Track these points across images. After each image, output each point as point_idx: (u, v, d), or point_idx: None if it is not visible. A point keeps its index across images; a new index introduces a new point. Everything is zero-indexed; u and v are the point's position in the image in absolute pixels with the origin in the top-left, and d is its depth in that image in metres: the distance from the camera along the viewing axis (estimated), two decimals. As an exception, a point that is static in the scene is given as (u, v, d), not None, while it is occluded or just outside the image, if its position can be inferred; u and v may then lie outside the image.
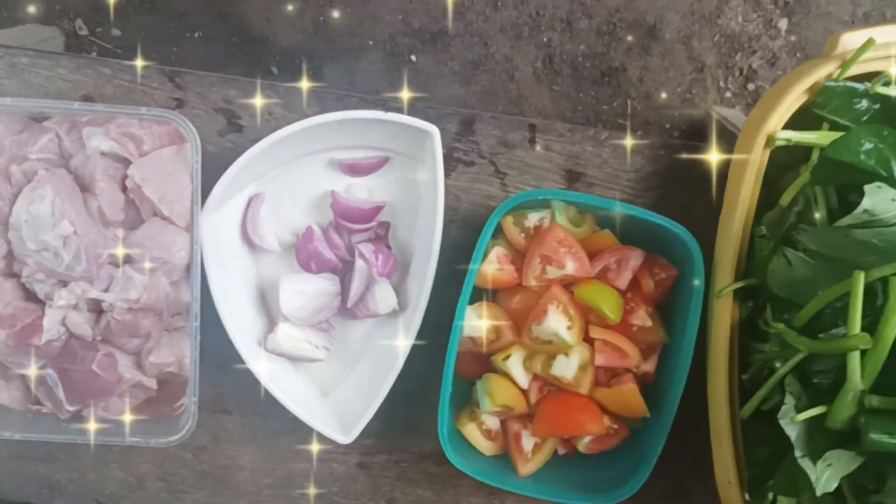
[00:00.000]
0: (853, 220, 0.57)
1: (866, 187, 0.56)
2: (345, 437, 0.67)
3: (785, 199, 0.64)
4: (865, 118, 0.63)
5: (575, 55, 1.24)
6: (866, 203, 0.56)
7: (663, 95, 1.26)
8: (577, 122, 1.24)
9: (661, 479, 0.67)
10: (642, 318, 0.68)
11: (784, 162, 0.66)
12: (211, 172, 0.65)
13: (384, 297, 0.68)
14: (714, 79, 1.28)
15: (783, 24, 1.31)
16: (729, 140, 0.69)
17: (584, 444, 0.68)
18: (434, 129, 0.65)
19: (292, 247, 0.70)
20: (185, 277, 0.67)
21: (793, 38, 1.29)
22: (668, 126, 1.27)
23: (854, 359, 0.56)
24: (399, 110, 0.69)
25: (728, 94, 1.30)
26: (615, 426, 0.68)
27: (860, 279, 0.55)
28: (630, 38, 1.24)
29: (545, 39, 1.23)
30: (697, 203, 0.70)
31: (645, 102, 1.26)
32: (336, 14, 1.20)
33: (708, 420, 0.66)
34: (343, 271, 0.70)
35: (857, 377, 0.56)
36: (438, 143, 0.66)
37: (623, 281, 0.67)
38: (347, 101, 0.70)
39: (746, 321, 0.66)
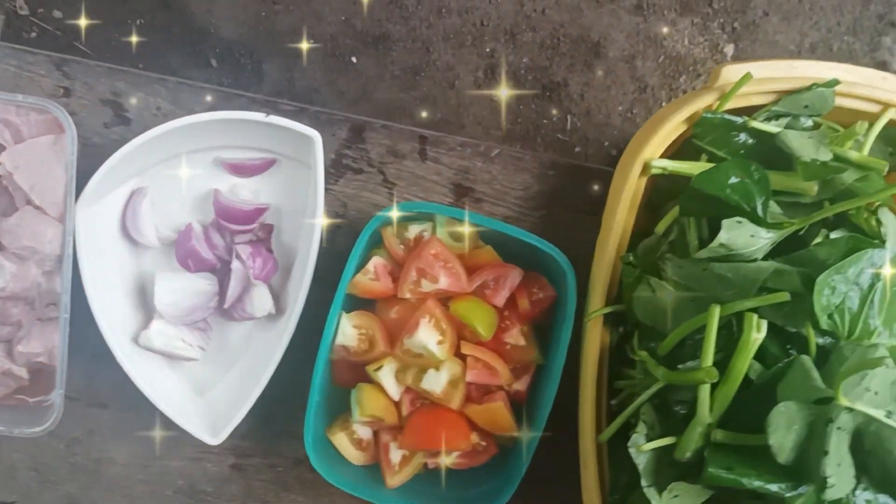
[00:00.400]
0: (710, 253, 0.56)
1: (724, 222, 0.56)
2: (214, 439, 0.67)
3: (660, 228, 0.64)
4: (742, 151, 0.63)
5: (517, 67, 1.24)
6: (723, 237, 0.56)
7: (604, 113, 1.26)
8: (517, 134, 1.24)
9: (529, 499, 0.67)
10: (516, 336, 0.67)
11: (667, 190, 0.66)
12: (95, 164, 0.64)
13: (261, 299, 0.68)
14: (657, 99, 1.28)
15: (730, 49, 1.31)
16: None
17: (452, 460, 0.68)
18: (316, 135, 0.65)
19: (173, 243, 0.69)
20: (59, 268, 0.66)
21: (738, 64, 1.29)
22: (606, 144, 1.27)
23: (703, 392, 0.56)
24: (288, 114, 0.69)
25: (671, 116, 1.29)
26: (484, 443, 0.68)
27: (716, 312, 0.55)
28: (574, 53, 1.24)
29: (488, 50, 1.23)
30: (582, 225, 0.70)
31: (585, 119, 1.26)
32: (278, 10, 1.20)
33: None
34: (222, 272, 0.69)
35: (705, 410, 0.56)
36: (320, 149, 0.65)
37: (500, 298, 0.67)
38: (237, 101, 0.70)
39: (618, 347, 0.66)
